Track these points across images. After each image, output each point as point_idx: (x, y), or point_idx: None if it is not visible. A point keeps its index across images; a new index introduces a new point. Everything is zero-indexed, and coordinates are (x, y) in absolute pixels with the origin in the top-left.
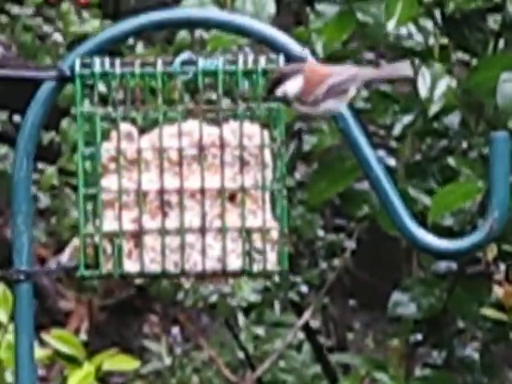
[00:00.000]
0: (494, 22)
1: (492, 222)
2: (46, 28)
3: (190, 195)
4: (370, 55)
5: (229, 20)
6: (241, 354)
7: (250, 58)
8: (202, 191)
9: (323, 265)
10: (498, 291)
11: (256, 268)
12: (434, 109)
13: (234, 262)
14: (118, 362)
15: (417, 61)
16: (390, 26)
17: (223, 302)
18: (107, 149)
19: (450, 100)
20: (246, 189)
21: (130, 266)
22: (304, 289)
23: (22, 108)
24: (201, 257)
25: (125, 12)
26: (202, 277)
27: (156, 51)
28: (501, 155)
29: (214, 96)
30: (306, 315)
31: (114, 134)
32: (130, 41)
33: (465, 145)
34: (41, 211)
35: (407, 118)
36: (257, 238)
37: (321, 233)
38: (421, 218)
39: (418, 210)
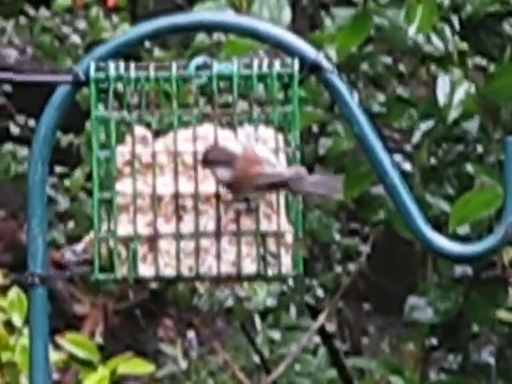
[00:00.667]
0: (510, 26)
1: (507, 226)
2: (66, 29)
3: (205, 199)
4: (387, 59)
5: (243, 24)
6: (256, 358)
7: (265, 61)
8: (217, 195)
9: (338, 269)
10: None
11: (271, 272)
12: (452, 115)
13: (249, 266)
14: (132, 365)
15: (433, 68)
16: (411, 31)
17: (239, 306)
18: (122, 152)
19: (469, 106)
20: None
21: (145, 270)
22: (320, 292)
23: (37, 112)
24: (215, 261)
25: (141, 16)
26: (217, 281)
27: (172, 55)
28: None
29: (229, 98)
30: (321, 319)
31: (128, 137)
32: (147, 44)
33: (481, 150)
34: (60, 215)
35: (426, 125)
36: (271, 242)
37: (337, 236)
38: (436, 222)
39: (434, 214)
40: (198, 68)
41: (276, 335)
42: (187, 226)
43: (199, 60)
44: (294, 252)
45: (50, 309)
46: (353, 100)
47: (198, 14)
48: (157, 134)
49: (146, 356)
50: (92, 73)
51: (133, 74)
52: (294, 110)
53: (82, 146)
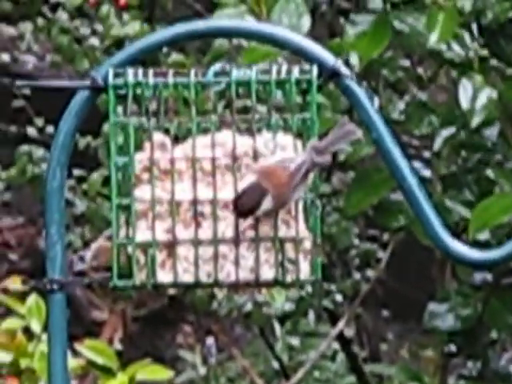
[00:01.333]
0: None
1: None
2: (83, 30)
3: (224, 205)
4: (406, 62)
5: (262, 30)
6: (275, 364)
7: (284, 68)
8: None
9: (357, 275)
10: None
11: (289, 278)
12: (475, 120)
13: (267, 273)
14: (151, 372)
15: (454, 72)
16: (432, 39)
17: (258, 311)
18: (140, 159)
19: (491, 111)
20: None
21: (163, 276)
22: (339, 297)
23: (55, 115)
24: (234, 267)
25: (160, 20)
26: (235, 287)
27: (190, 61)
28: None
29: (248, 103)
30: (340, 325)
31: (147, 144)
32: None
33: (499, 156)
34: (77, 217)
35: (447, 132)
36: (290, 248)
37: (356, 241)
38: (455, 229)
39: (454, 221)
40: (217, 74)
41: (295, 341)
42: (206, 232)
43: (218, 66)
44: (312, 258)
45: (68, 315)
46: (371, 106)
47: (217, 21)
48: (175, 140)
49: (165, 362)
50: (110, 79)
51: (151, 80)
52: (312, 116)
53: (99, 148)
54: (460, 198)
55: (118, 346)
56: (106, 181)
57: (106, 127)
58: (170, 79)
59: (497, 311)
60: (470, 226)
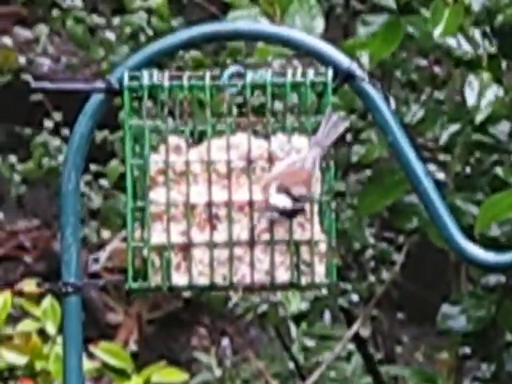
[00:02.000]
0: None
1: None
2: (99, 20)
3: (239, 208)
4: (423, 62)
5: (277, 33)
6: (290, 366)
7: (299, 70)
8: (251, 204)
9: (372, 278)
10: None
11: (304, 281)
12: (480, 117)
13: (283, 275)
14: (166, 374)
15: (465, 70)
16: (436, 33)
17: (273, 311)
18: (156, 161)
19: (498, 109)
20: None
21: (179, 278)
22: (355, 297)
23: (72, 111)
24: (249, 270)
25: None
26: (251, 290)
27: (207, 62)
28: None
29: (262, 99)
30: (355, 327)
31: (162, 146)
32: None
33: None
34: (93, 212)
35: (454, 127)
36: (305, 251)
37: (371, 240)
38: (470, 231)
39: (468, 223)
40: (232, 77)
41: (310, 343)
42: (221, 234)
43: (233, 69)
44: (327, 260)
45: (83, 317)
46: (387, 109)
47: (235, 24)
48: (191, 142)
49: (180, 365)
50: (126, 81)
51: (166, 82)
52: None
53: (116, 142)
54: (473, 199)
55: (133, 348)
56: (122, 176)
57: (122, 115)
58: (185, 82)
59: (510, 313)
60: (477, 221)
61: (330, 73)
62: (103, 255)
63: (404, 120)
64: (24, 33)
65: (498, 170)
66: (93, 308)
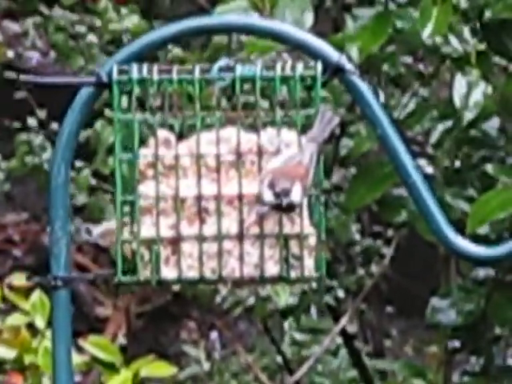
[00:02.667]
0: None
1: None
2: (80, 28)
3: (228, 202)
4: (408, 59)
5: (266, 26)
6: (279, 359)
7: (288, 64)
8: (240, 198)
9: (361, 271)
10: None
11: (293, 274)
12: (468, 116)
13: (272, 269)
14: (155, 368)
15: (455, 68)
16: (425, 33)
17: (261, 306)
18: (145, 155)
19: (488, 106)
20: None
21: (168, 272)
22: (341, 294)
23: (57, 107)
24: (238, 263)
25: (163, 15)
26: (240, 283)
27: (195, 56)
28: None
29: (251, 99)
30: (343, 321)
31: (151, 140)
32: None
33: (502, 152)
34: (78, 209)
35: (444, 125)
36: (294, 245)
37: (357, 237)
38: (459, 225)
39: (457, 217)
40: (221, 70)
41: (299, 336)
42: (210, 228)
43: (222, 62)
44: (316, 254)
45: (72, 311)
46: (376, 102)
47: (224, 17)
48: (180, 136)
49: (169, 358)
50: (115, 75)
51: (156, 76)
52: (316, 112)
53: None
54: (462, 194)
55: (122, 341)
56: (103, 176)
57: (97, 125)
58: (175, 75)
59: (500, 306)
60: (470, 219)
61: (320, 66)
62: (98, 229)
63: (393, 114)
64: (13, 26)
65: (488, 168)
66: (82, 302)
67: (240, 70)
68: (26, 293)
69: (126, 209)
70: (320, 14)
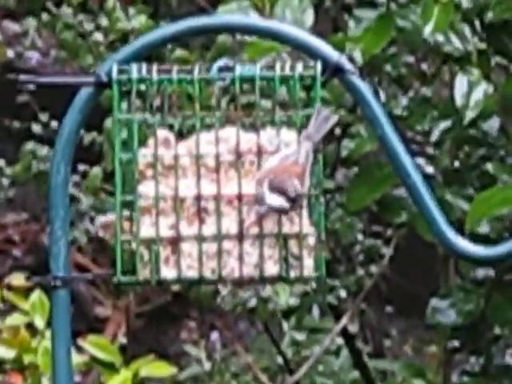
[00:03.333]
0: None
1: None
2: (88, 26)
3: (227, 202)
4: (410, 59)
5: (266, 26)
6: (279, 360)
7: (287, 64)
8: (239, 198)
9: (360, 271)
10: None
11: (293, 274)
12: (469, 115)
13: (271, 269)
14: (155, 368)
15: (456, 67)
16: (427, 31)
17: (262, 307)
18: (144, 155)
19: (488, 106)
20: None
21: (167, 272)
22: (342, 293)
23: (60, 110)
24: (238, 263)
25: (165, 15)
26: (239, 283)
27: (194, 57)
28: None
29: (251, 99)
30: (344, 321)
31: (151, 140)
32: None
33: (502, 152)
34: (82, 213)
35: (444, 124)
36: (294, 245)
37: (360, 237)
38: (459, 225)
39: (457, 217)
40: (221, 70)
41: (299, 337)
42: (210, 228)
43: (222, 62)
44: (316, 254)
45: (72, 311)
46: (376, 102)
47: (224, 17)
48: (179, 136)
49: (169, 358)
50: (114, 75)
51: (155, 76)
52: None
53: (104, 143)
54: (462, 193)
55: (121, 341)
56: (109, 176)
57: (107, 123)
58: (174, 75)
59: (499, 306)
60: (468, 217)
61: (319, 66)
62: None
63: (393, 114)
64: (12, 26)
65: (488, 166)
66: (81, 301)
67: (239, 69)
68: (26, 293)
69: (126, 209)
70: (319, 13)
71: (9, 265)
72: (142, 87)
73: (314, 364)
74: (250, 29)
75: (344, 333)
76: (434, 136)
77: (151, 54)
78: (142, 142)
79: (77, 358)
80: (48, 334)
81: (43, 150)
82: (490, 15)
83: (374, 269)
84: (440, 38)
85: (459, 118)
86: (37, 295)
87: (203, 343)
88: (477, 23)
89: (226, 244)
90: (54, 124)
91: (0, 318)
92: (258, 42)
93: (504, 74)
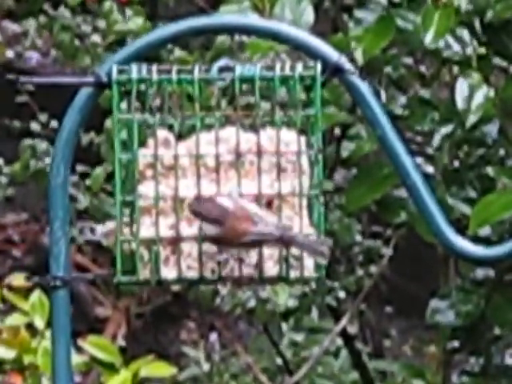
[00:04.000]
0: None
1: None
2: (85, 28)
3: None
4: (409, 60)
5: (265, 26)
6: (279, 360)
7: (287, 64)
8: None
9: (360, 271)
10: None
11: (293, 274)
12: (471, 120)
13: (271, 269)
14: (154, 368)
15: (455, 70)
16: (428, 38)
17: (261, 308)
18: (144, 155)
19: (488, 109)
20: (283, 195)
21: (167, 272)
22: (341, 294)
23: (59, 110)
24: (238, 263)
25: (163, 16)
26: (239, 283)
27: (194, 57)
28: None
29: (251, 99)
30: (343, 321)
31: (151, 140)
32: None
33: (502, 153)
34: (80, 213)
35: (446, 129)
36: None
37: (358, 238)
38: (458, 225)
39: (456, 217)
40: (221, 70)
41: (298, 337)
42: None
43: (222, 62)
44: None
45: (72, 311)
46: (376, 102)
47: (223, 17)
48: (179, 136)
49: (168, 359)
50: (114, 75)
51: (155, 76)
52: (316, 112)
53: (102, 144)
54: (462, 194)
55: (121, 342)
56: (110, 177)
57: (108, 123)
58: (174, 75)
59: (499, 307)
60: (471, 221)
61: (319, 66)
62: (101, 228)
63: (393, 114)
64: (12, 27)
65: (488, 169)
66: (81, 302)
67: (239, 70)
68: (26, 293)
69: (126, 209)
70: (319, 14)
71: (9, 265)
72: (142, 87)
73: (313, 365)
74: (250, 29)
75: (343, 333)
76: (436, 141)
77: (149, 56)
78: (142, 143)
79: (77, 359)
80: (48, 334)
81: (42, 145)
82: (489, 15)
83: (373, 269)
84: (439, 42)
85: (461, 121)
86: (37, 295)
87: (202, 344)
88: (476, 24)
89: None
90: (53, 123)
91: (0, 318)
92: (257, 41)
93: (503, 77)
